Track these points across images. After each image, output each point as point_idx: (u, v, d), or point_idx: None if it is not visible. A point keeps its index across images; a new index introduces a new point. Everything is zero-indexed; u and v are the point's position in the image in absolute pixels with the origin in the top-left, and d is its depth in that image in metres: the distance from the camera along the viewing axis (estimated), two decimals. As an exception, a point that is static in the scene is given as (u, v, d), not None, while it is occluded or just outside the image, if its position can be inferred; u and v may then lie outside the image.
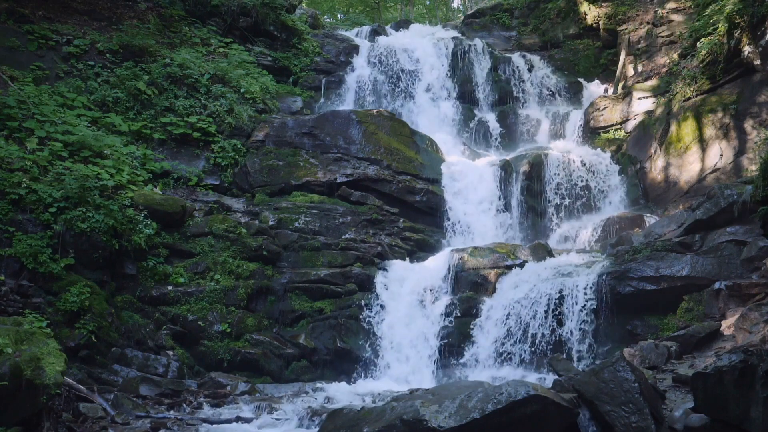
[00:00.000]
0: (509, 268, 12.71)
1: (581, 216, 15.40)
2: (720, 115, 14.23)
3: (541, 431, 6.98)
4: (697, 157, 14.45)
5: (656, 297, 11.18)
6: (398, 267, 13.62)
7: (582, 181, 15.72)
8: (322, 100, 18.69)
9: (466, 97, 19.08)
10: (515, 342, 11.59)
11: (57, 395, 8.20)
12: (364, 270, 13.32)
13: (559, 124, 18.27)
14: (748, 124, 13.84)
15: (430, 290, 12.98)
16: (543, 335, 11.44)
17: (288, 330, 12.78)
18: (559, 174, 15.62)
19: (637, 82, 17.63)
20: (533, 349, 11.43)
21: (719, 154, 14.08)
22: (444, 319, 12.37)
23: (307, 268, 13.39)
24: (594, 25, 20.76)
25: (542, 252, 13.16)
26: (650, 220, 14.03)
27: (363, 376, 12.17)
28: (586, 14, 20.97)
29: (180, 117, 15.19)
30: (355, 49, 20.15)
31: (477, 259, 12.96)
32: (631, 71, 18.52)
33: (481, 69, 19.50)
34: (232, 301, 12.63)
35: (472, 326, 12.11)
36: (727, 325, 9.99)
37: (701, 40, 14.97)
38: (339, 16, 36.83)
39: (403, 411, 7.08)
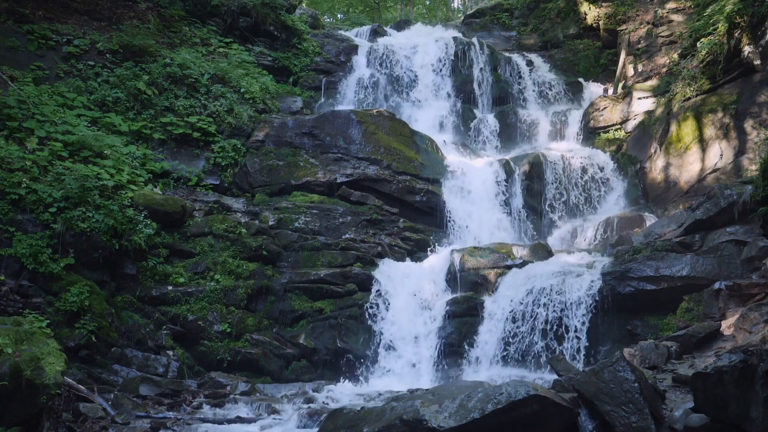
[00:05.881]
0: (509, 268, 12.71)
1: (581, 216, 15.41)
2: (720, 115, 14.23)
3: (541, 431, 6.98)
4: (697, 157, 14.44)
5: (656, 297, 11.18)
6: (398, 267, 13.61)
7: (582, 181, 15.73)
8: (322, 100, 18.70)
9: (466, 97, 19.07)
10: (515, 342, 11.58)
11: (57, 395, 8.19)
12: (364, 270, 13.32)
13: (559, 124, 18.27)
14: (748, 124, 13.83)
15: (430, 290, 12.97)
16: (543, 335, 11.43)
17: (288, 330, 12.78)
18: (559, 174, 15.63)
19: (637, 82, 17.63)
20: (533, 348, 11.42)
21: (719, 154, 14.08)
22: (444, 319, 12.37)
23: (307, 268, 13.38)
24: (594, 25, 20.77)
25: (542, 252, 13.16)
26: (650, 220, 14.02)
27: (363, 376, 12.15)
28: (586, 14, 20.98)
29: (180, 117, 15.20)
30: (355, 49, 20.16)
31: (477, 259, 12.96)
32: (631, 71, 18.52)
33: (481, 69, 19.50)
34: (232, 301, 12.63)
35: (472, 326, 12.11)
36: (727, 325, 9.98)
37: (701, 40, 14.96)
38: (339, 16, 36.84)
39: (403, 411, 7.08)
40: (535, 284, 11.91)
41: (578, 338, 11.23)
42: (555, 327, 11.42)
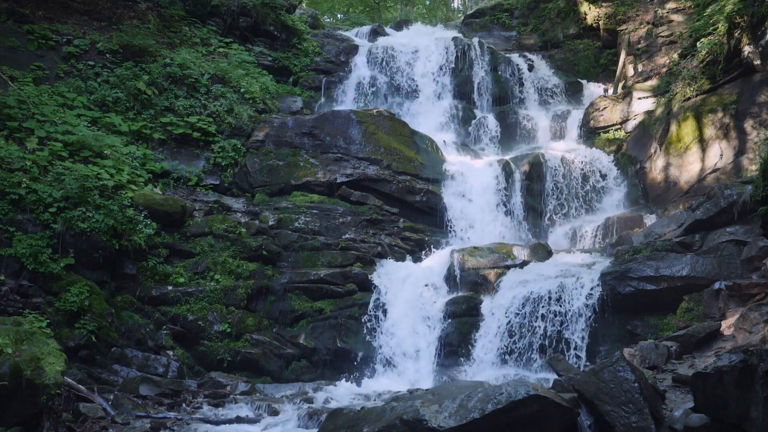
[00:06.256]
0: (509, 268, 12.70)
1: (581, 216, 15.40)
2: (720, 115, 14.22)
3: (541, 431, 6.98)
4: (697, 157, 14.44)
5: (656, 297, 11.17)
6: (398, 267, 13.60)
7: (582, 181, 15.73)
8: (322, 100, 18.69)
9: (466, 97, 19.07)
10: (515, 342, 11.57)
11: (57, 395, 8.19)
12: (364, 270, 13.31)
13: (559, 124, 18.27)
14: (748, 124, 13.83)
15: (430, 290, 12.97)
16: (543, 335, 11.42)
17: (288, 330, 12.78)
18: (559, 174, 15.62)
19: (637, 82, 17.63)
20: (533, 349, 11.41)
21: (719, 154, 14.08)
22: (444, 319, 12.36)
23: (307, 268, 13.38)
24: (594, 25, 20.77)
25: (542, 252, 13.16)
26: (650, 220, 14.02)
27: (363, 376, 12.14)
28: (586, 14, 20.98)
29: (180, 117, 15.20)
30: (354, 49, 20.15)
31: (477, 259, 12.96)
32: (631, 71, 18.51)
33: (481, 69, 19.49)
34: (232, 301, 12.63)
35: (471, 326, 12.10)
36: (727, 325, 9.98)
37: (701, 40, 14.96)
38: (339, 16, 36.84)
39: (403, 411, 7.08)
40: (535, 285, 11.88)
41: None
42: (554, 327, 11.39)
